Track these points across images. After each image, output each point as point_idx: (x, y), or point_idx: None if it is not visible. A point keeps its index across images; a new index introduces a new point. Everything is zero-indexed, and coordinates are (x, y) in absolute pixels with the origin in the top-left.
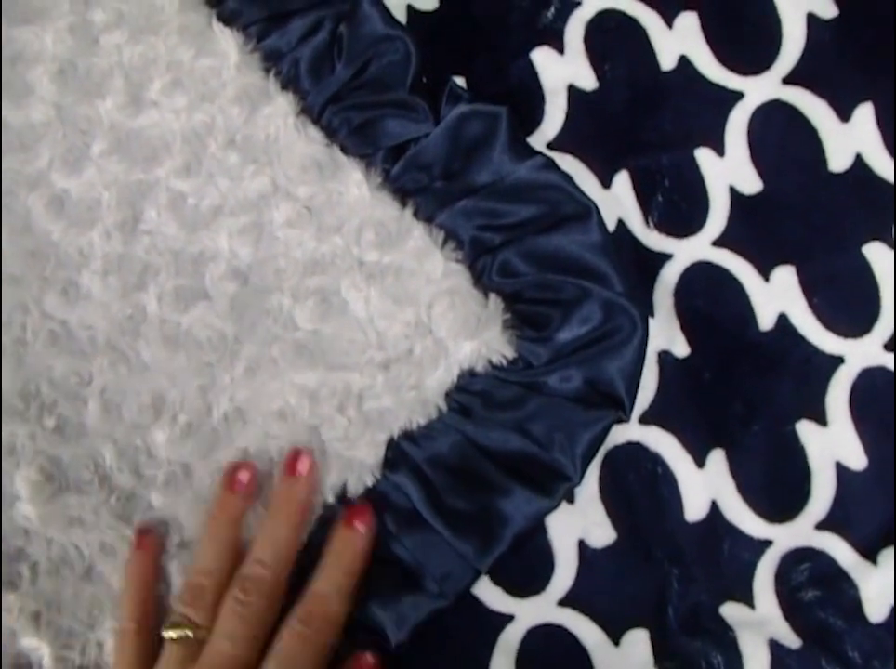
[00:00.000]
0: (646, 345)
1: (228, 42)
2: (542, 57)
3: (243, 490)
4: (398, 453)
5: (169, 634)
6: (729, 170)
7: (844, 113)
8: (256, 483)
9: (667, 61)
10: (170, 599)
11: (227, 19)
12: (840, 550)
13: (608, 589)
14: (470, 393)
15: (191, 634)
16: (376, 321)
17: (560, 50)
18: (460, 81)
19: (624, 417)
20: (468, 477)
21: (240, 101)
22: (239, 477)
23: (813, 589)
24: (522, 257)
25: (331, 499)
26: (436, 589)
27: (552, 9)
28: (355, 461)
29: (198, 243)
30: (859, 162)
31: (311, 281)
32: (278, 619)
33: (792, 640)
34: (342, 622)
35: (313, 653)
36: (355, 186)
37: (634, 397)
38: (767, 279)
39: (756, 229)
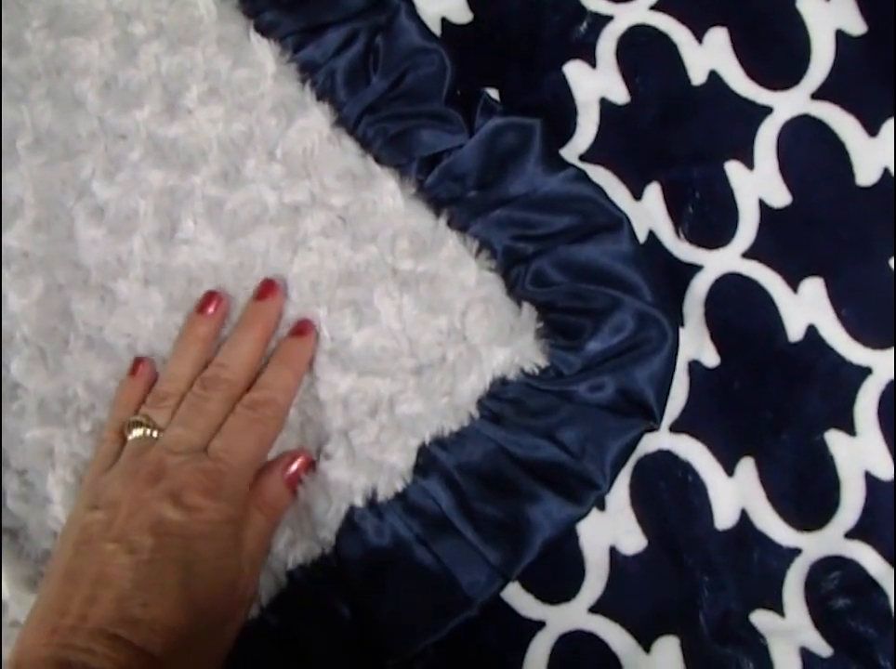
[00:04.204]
0: (676, 354)
1: (265, 53)
2: (574, 70)
3: (212, 314)
4: (429, 459)
5: (130, 433)
6: (758, 183)
7: (872, 128)
8: (224, 312)
9: (698, 76)
10: None
11: (264, 31)
12: (870, 559)
13: (639, 596)
14: (502, 400)
15: (149, 431)
16: (409, 328)
17: (593, 64)
18: (493, 93)
19: (654, 426)
20: (499, 484)
21: (276, 112)
22: (209, 303)
23: (843, 598)
24: (555, 267)
25: (360, 502)
26: (464, 596)
27: (585, 24)
28: (386, 465)
29: (237, 255)
30: (886, 176)
31: (346, 291)
32: None
33: (823, 648)
34: (285, 413)
35: (256, 436)
36: (389, 195)
37: (664, 406)
38: (796, 290)
39: (784, 242)
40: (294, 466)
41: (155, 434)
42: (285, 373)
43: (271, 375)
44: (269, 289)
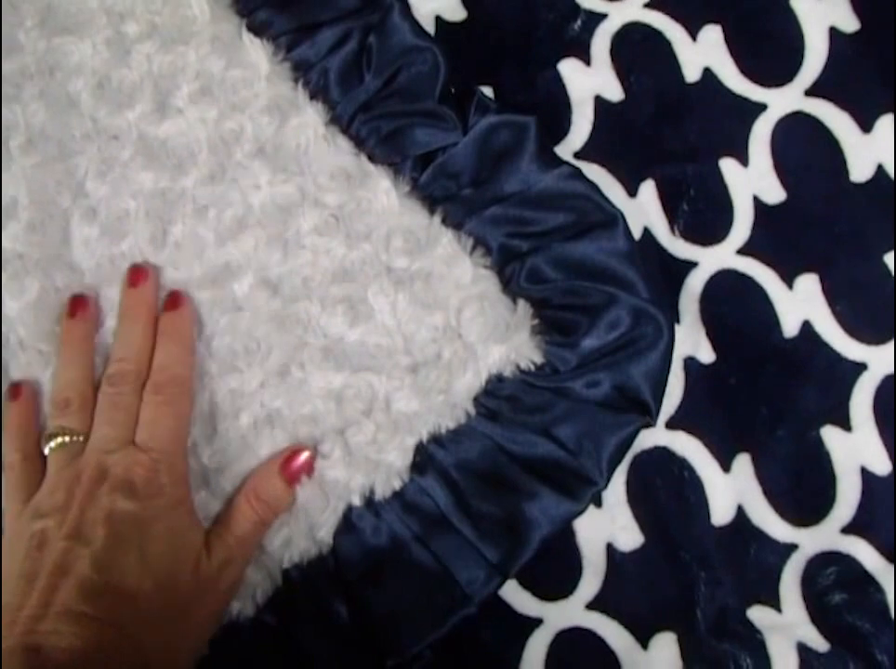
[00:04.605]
0: (672, 350)
1: (258, 52)
2: (569, 68)
3: (83, 315)
4: (426, 457)
5: (49, 445)
6: (752, 180)
7: (865, 125)
8: (94, 312)
9: (692, 73)
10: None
11: (257, 30)
12: (866, 554)
13: (636, 593)
14: (498, 398)
15: (68, 438)
16: (404, 326)
17: (587, 62)
18: (488, 91)
19: (651, 422)
20: (496, 481)
21: (270, 111)
22: (78, 306)
23: (840, 593)
24: (550, 264)
25: (357, 501)
26: (462, 594)
27: (579, 22)
28: (383, 464)
29: (225, 254)
30: (880, 172)
31: (339, 288)
32: None
33: (820, 643)
34: (189, 383)
35: (172, 416)
36: (384, 194)
37: (660, 402)
38: (790, 287)
39: (779, 238)
40: (296, 463)
41: (78, 439)
42: (174, 347)
43: (162, 354)
44: (139, 275)
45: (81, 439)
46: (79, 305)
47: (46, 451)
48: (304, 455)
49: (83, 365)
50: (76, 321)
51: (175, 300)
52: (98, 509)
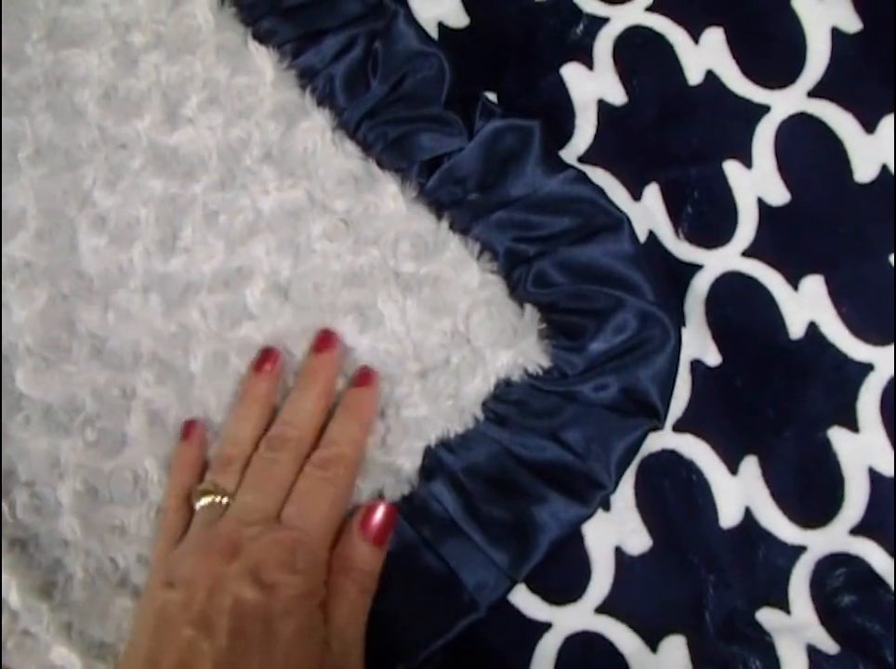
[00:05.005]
0: (679, 352)
1: (263, 60)
2: (572, 72)
3: (269, 371)
4: (434, 462)
5: (199, 501)
6: (756, 182)
7: (869, 125)
8: (281, 368)
9: (694, 76)
10: None
11: (262, 38)
12: (875, 555)
13: (645, 596)
14: (507, 402)
15: (218, 498)
16: (413, 331)
17: (590, 66)
18: (491, 96)
19: (658, 425)
20: (504, 485)
21: (276, 117)
22: (267, 360)
23: (849, 594)
24: (557, 268)
25: None
26: (471, 599)
27: (581, 26)
28: (392, 469)
29: (236, 260)
30: (884, 172)
31: (349, 294)
32: None
33: (829, 645)
34: (356, 468)
35: (329, 497)
36: (391, 199)
37: (668, 404)
38: (796, 288)
39: (784, 240)
40: (375, 520)
41: (225, 500)
42: (352, 426)
43: (338, 430)
44: (326, 341)
45: (225, 502)
46: (267, 360)
47: (196, 506)
48: (380, 511)
49: (255, 423)
50: (260, 376)
51: (365, 376)
52: (225, 595)
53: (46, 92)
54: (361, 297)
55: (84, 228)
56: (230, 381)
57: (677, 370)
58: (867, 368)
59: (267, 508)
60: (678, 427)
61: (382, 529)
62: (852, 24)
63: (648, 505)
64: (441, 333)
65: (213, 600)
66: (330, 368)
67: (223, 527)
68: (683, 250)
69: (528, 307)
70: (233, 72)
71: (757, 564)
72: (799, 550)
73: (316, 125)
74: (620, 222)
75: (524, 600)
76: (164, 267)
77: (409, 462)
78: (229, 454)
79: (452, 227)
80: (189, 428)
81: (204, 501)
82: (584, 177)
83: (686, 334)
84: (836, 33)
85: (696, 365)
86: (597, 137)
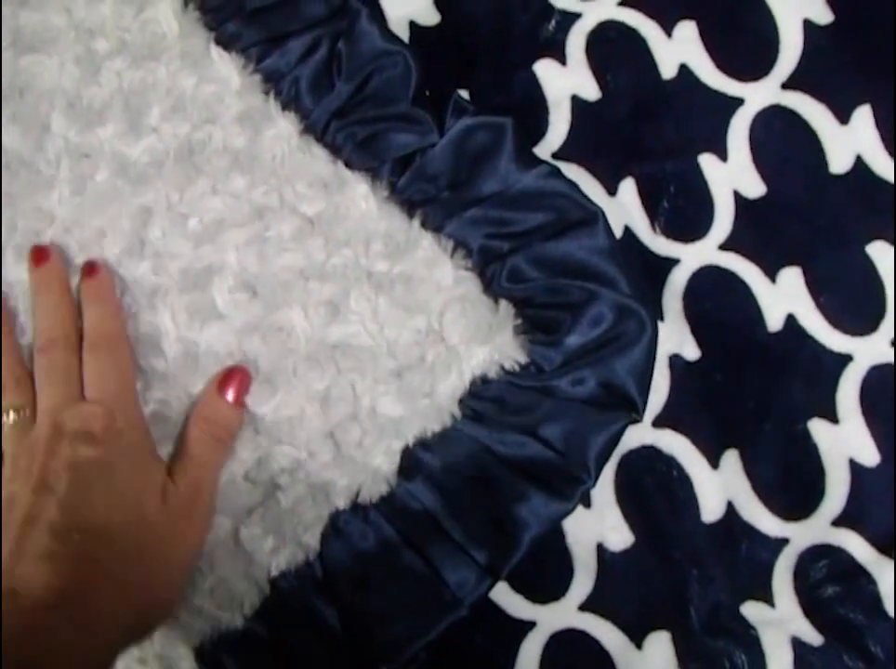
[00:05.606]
0: (656, 344)
1: (227, 66)
2: (544, 69)
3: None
4: (413, 461)
5: (6, 421)
6: (732, 175)
7: (843, 116)
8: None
9: (668, 70)
10: None
11: (226, 42)
12: (857, 546)
13: (628, 592)
14: (484, 399)
15: (22, 413)
16: (387, 329)
17: (563, 62)
18: (464, 94)
19: (637, 418)
20: (484, 483)
21: (241, 122)
22: (42, 256)
23: (832, 585)
24: (531, 263)
25: (342, 504)
26: (453, 597)
27: (553, 22)
28: (370, 469)
29: (205, 259)
30: (859, 163)
31: (321, 292)
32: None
33: (814, 637)
34: (124, 335)
35: (116, 366)
36: (362, 199)
37: (646, 396)
38: (773, 280)
39: (761, 232)
40: (232, 379)
41: (26, 412)
42: (99, 308)
43: (90, 317)
44: (41, 254)
45: (28, 411)
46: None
47: (5, 428)
48: (236, 372)
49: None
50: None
51: (91, 268)
52: (61, 459)
53: (11, 102)
54: (332, 295)
55: (52, 239)
56: (201, 381)
57: (654, 362)
58: (846, 359)
59: (70, 394)
60: (658, 422)
61: (238, 387)
62: (824, 16)
63: (629, 501)
64: (415, 331)
65: (49, 468)
66: (57, 272)
67: (40, 422)
68: (660, 244)
69: (503, 302)
70: (199, 79)
71: (740, 558)
72: (782, 543)
73: (283, 131)
74: (594, 216)
75: (508, 600)
76: (133, 273)
77: (387, 462)
78: (16, 373)
79: (424, 225)
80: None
81: (11, 418)
82: (557, 172)
83: (664, 328)
84: (809, 25)
85: (675, 360)
86: (571, 132)
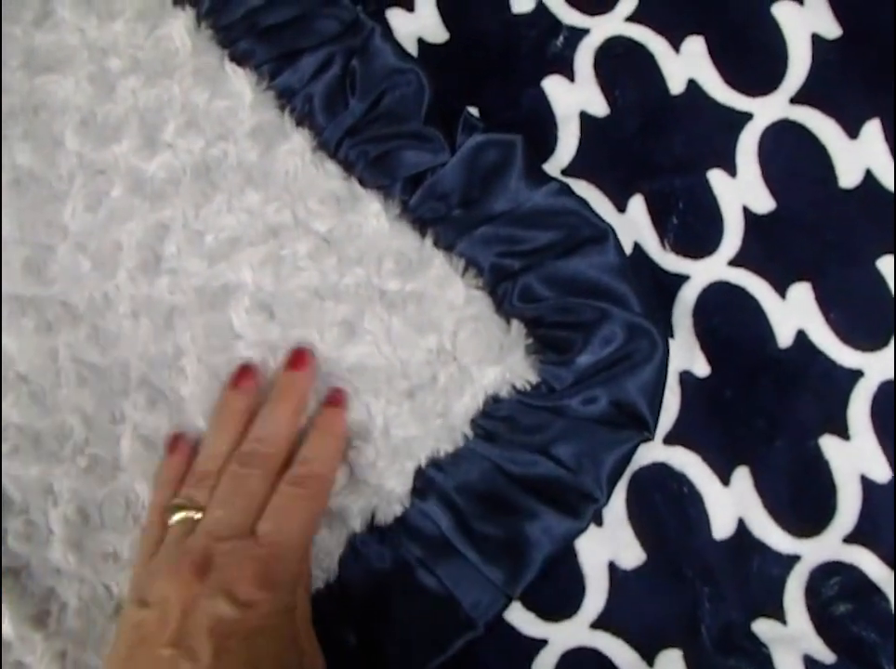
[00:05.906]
0: (667, 363)
1: (241, 82)
2: (553, 85)
3: (246, 387)
4: (426, 481)
5: (172, 517)
6: (741, 190)
7: (852, 130)
8: (258, 383)
9: (676, 85)
10: None
11: (239, 59)
12: (870, 563)
13: (640, 610)
14: (496, 419)
15: (191, 514)
16: (399, 349)
17: (571, 78)
18: (473, 111)
19: (649, 436)
20: (497, 502)
21: (255, 139)
22: (244, 376)
23: (845, 603)
24: (542, 282)
25: (358, 527)
26: (467, 617)
27: (561, 38)
28: (384, 490)
29: (221, 277)
30: (869, 177)
31: (335, 312)
32: None
33: (826, 655)
34: (330, 486)
35: (304, 514)
36: (374, 217)
37: (657, 415)
38: (783, 296)
39: (770, 248)
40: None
41: (198, 516)
42: (326, 444)
43: (313, 448)
44: (300, 359)
45: (201, 516)
46: (244, 375)
47: (170, 522)
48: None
49: (232, 438)
50: (237, 392)
51: (337, 397)
52: (202, 614)
53: (24, 120)
54: (347, 314)
55: (65, 255)
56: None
57: (665, 380)
58: (857, 374)
59: (238, 523)
60: (669, 440)
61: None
62: (832, 30)
63: (640, 518)
64: (428, 350)
65: (189, 619)
66: (302, 385)
67: (193, 542)
68: (669, 261)
69: (514, 322)
70: (211, 95)
71: (751, 575)
72: (793, 560)
73: (296, 147)
74: (605, 233)
75: (520, 618)
76: (148, 290)
77: (400, 483)
78: (204, 470)
79: (436, 243)
80: (174, 442)
81: (178, 516)
82: (567, 190)
83: (674, 345)
84: (817, 40)
85: (685, 377)
86: (580, 149)
